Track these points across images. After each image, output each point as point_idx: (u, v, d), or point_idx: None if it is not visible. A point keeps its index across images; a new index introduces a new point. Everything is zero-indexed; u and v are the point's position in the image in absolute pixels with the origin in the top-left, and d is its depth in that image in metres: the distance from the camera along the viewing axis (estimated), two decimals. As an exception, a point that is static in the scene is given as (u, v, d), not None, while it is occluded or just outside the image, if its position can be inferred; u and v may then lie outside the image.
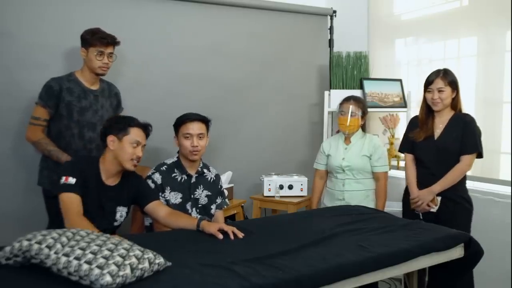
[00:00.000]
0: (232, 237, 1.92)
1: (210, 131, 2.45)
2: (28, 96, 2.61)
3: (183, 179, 2.38)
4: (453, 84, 2.47)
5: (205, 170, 2.48)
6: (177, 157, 2.42)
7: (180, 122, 2.35)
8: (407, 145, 2.65)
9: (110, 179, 2.12)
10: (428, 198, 2.47)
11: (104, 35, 2.43)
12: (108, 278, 1.33)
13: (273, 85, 3.58)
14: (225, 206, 2.59)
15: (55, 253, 1.42)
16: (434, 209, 2.48)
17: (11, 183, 2.63)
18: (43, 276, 1.44)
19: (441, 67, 2.56)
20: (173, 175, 2.36)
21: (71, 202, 1.96)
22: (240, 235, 1.94)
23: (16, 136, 2.62)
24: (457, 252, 2.02)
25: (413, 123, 2.66)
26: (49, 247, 1.44)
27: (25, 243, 1.48)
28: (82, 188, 2.01)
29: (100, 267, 1.35)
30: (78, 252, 1.41)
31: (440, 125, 2.52)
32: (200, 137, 2.34)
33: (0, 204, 2.60)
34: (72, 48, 2.73)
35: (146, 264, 1.44)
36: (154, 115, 2.99)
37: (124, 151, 2.06)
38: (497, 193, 2.84)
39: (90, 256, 1.39)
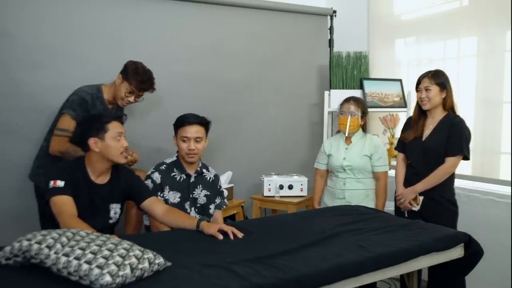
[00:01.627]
0: (231, 237, 1.92)
1: (210, 131, 2.44)
2: (27, 96, 2.61)
3: (182, 179, 2.38)
4: (441, 84, 2.48)
5: (204, 170, 2.48)
6: (176, 157, 2.42)
7: (179, 124, 2.35)
8: (399, 145, 2.72)
9: (99, 178, 2.11)
10: (410, 197, 2.53)
11: (144, 79, 2.42)
12: (108, 278, 1.33)
13: (273, 85, 3.58)
14: (224, 207, 2.59)
15: (55, 253, 1.42)
16: (416, 208, 2.52)
17: (11, 183, 2.63)
18: (43, 276, 1.44)
19: (440, 68, 2.58)
20: (172, 174, 2.37)
21: (63, 204, 1.94)
22: (240, 235, 1.94)
23: (15, 136, 2.62)
24: (457, 252, 2.02)
25: (408, 124, 2.69)
26: (49, 247, 1.44)
27: (25, 243, 1.48)
28: (72, 189, 1.99)
29: (100, 267, 1.35)
30: (78, 252, 1.41)
31: (430, 126, 2.54)
32: (197, 141, 2.33)
33: (0, 204, 2.60)
34: (72, 48, 2.73)
35: (146, 264, 1.44)
36: (154, 115, 3.02)
37: (112, 148, 2.04)
38: (497, 193, 2.83)
39: (90, 256, 1.39)
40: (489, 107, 2.93)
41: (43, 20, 2.67)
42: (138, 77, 2.40)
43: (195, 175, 2.42)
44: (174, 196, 2.34)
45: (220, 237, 1.92)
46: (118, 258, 1.40)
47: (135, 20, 2.97)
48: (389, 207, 2.87)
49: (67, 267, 1.38)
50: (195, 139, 2.31)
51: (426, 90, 2.49)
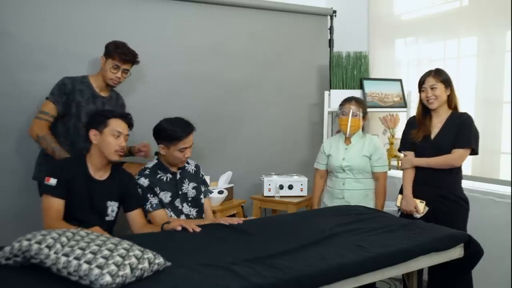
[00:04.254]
0: (191, 231, 1.99)
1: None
2: (28, 96, 2.61)
3: (168, 178, 2.40)
4: (446, 81, 2.47)
5: (185, 164, 2.50)
6: (156, 159, 2.43)
7: (175, 139, 2.29)
8: (407, 145, 2.62)
9: (98, 173, 2.14)
10: (407, 164, 2.56)
11: (125, 51, 2.48)
12: (107, 278, 1.33)
13: (273, 85, 3.58)
14: (209, 194, 2.61)
15: (55, 253, 1.42)
16: (417, 215, 2.47)
17: (11, 183, 2.63)
18: (43, 276, 1.44)
19: (438, 68, 2.56)
20: (158, 176, 2.37)
21: (49, 207, 2.00)
22: (197, 229, 2.00)
23: (16, 136, 2.62)
24: (456, 252, 2.02)
25: (412, 124, 2.64)
26: (48, 247, 1.44)
27: (25, 243, 1.48)
28: (66, 187, 2.02)
29: (99, 267, 1.35)
30: (78, 252, 1.41)
31: (438, 124, 2.51)
32: (191, 146, 2.37)
33: (0, 204, 2.60)
34: (72, 48, 2.73)
35: (146, 264, 1.44)
36: (154, 115, 2.99)
37: (106, 143, 2.07)
38: (497, 193, 2.83)
39: (89, 256, 1.39)
40: (489, 107, 2.93)
41: (43, 20, 2.68)
42: (119, 49, 2.46)
43: (180, 170, 2.45)
44: (165, 196, 2.36)
45: (179, 228, 2.01)
46: (118, 258, 1.40)
47: (135, 20, 2.97)
48: (389, 207, 2.87)
49: (67, 267, 1.38)
50: (190, 146, 2.36)
51: (432, 88, 2.45)
